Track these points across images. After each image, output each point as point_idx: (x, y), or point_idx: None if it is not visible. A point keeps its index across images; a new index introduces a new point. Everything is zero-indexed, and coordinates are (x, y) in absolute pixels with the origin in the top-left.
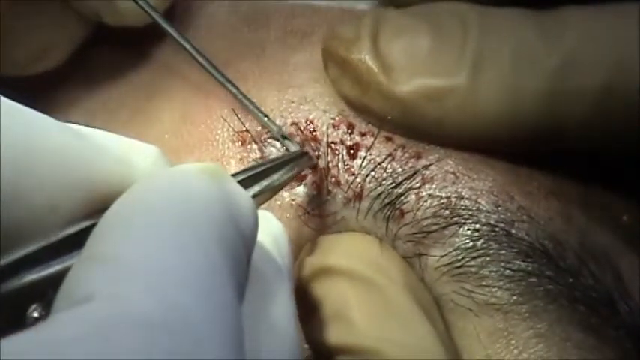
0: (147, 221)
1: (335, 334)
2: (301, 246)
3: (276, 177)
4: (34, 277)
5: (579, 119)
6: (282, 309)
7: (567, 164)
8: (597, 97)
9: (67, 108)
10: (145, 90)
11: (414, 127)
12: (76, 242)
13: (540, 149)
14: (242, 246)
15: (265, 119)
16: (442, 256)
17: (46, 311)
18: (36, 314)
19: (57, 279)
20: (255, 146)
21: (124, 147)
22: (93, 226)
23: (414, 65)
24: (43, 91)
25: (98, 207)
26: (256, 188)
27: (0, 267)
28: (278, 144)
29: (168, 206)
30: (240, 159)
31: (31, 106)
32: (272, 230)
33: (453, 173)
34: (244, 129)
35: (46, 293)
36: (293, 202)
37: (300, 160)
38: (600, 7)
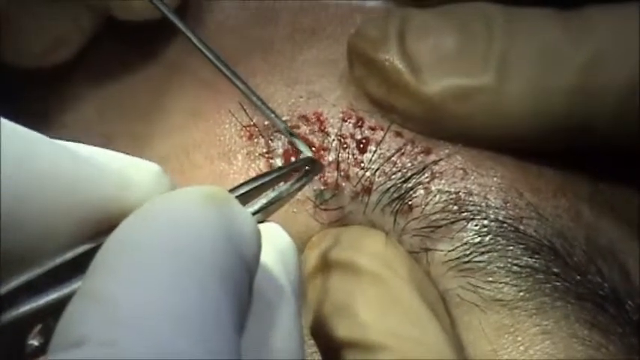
0: (144, 258)
1: (339, 328)
2: (308, 239)
3: (284, 188)
4: (32, 307)
5: (606, 117)
6: (285, 335)
7: (576, 161)
8: (623, 94)
9: (77, 102)
10: (154, 85)
11: (441, 127)
12: (75, 267)
13: (565, 147)
14: (244, 274)
15: (273, 116)
16: (450, 251)
17: (46, 339)
18: (36, 343)
19: (56, 306)
20: (262, 140)
21: (123, 166)
22: (92, 250)
23: (441, 65)
24: (53, 85)
25: (97, 229)
26: (263, 200)
27: None
28: (285, 138)
29: (167, 241)
30: (247, 153)
31: (41, 99)
32: (278, 245)
33: (463, 169)
34: (252, 123)
35: (46, 320)
36: (300, 196)
37: (309, 168)
38: (624, 6)
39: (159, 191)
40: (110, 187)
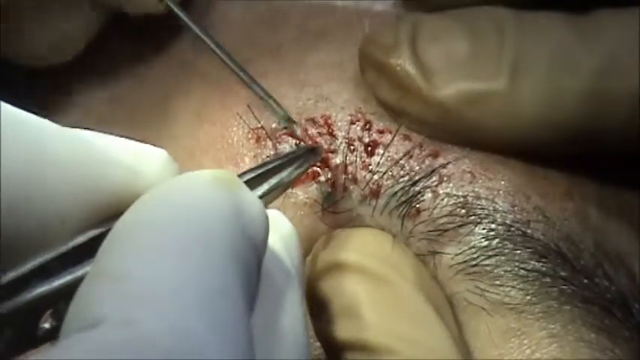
0: (157, 237)
1: (345, 330)
2: (315, 242)
3: (285, 174)
4: (44, 289)
5: (618, 121)
6: (292, 316)
7: (583, 165)
8: (636, 98)
9: (84, 102)
10: (162, 87)
11: (452, 131)
12: (85, 251)
13: (576, 151)
14: (254, 256)
15: (270, 100)
16: (457, 255)
17: (58, 322)
18: (47, 325)
19: (68, 289)
20: (269, 143)
21: (131, 152)
22: (102, 234)
23: (452, 70)
24: (59, 84)
25: (107, 214)
26: (265, 186)
27: (11, 280)
28: (292, 140)
29: (179, 220)
30: (255, 156)
31: (46, 99)
32: (281, 230)
33: (470, 172)
34: (259, 125)
35: (57, 303)
36: (308, 199)
37: (309, 155)
38: (635, 9)
39: (168, 177)
40: (120, 173)
